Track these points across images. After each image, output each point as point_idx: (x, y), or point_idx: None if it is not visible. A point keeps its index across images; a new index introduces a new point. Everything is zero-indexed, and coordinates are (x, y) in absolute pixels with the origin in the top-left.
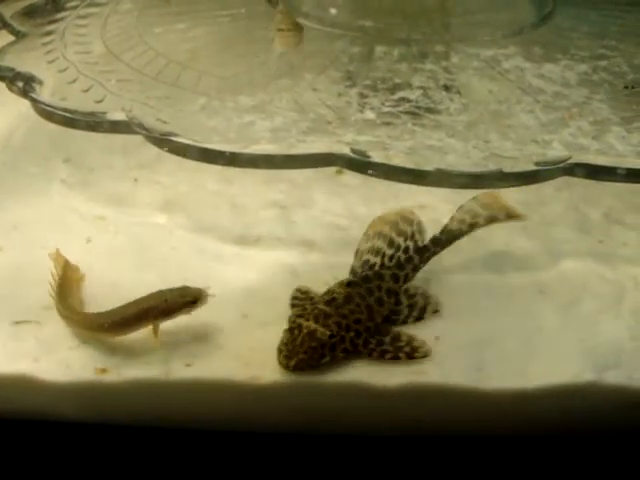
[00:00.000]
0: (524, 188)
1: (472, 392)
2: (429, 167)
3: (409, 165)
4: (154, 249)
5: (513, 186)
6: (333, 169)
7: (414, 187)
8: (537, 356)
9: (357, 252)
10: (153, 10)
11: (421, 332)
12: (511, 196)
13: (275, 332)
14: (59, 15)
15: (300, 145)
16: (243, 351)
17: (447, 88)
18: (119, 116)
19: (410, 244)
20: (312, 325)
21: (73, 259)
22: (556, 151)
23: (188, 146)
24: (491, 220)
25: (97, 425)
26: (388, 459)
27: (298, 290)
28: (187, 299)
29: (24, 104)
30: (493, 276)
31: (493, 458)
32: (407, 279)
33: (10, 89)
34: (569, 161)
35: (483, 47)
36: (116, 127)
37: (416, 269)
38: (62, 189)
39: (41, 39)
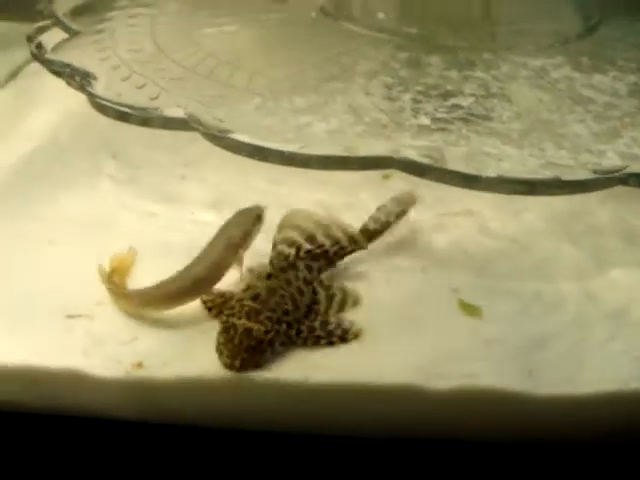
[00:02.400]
0: (569, 198)
1: (524, 396)
2: (489, 173)
3: (468, 171)
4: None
5: (569, 194)
6: (379, 173)
7: (460, 192)
8: (585, 363)
9: (273, 244)
10: (201, 12)
11: (478, 335)
12: (556, 205)
13: None
14: (109, 14)
15: (360, 147)
16: None
17: (498, 96)
18: (177, 113)
19: (326, 240)
20: (246, 323)
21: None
22: (611, 160)
23: (247, 145)
24: (400, 215)
25: (141, 423)
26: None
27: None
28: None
29: (70, 100)
30: (542, 283)
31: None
32: (320, 271)
33: (69, 84)
34: (625, 171)
35: (530, 56)
36: (174, 124)
37: (331, 263)
38: (111, 184)
39: (93, 37)
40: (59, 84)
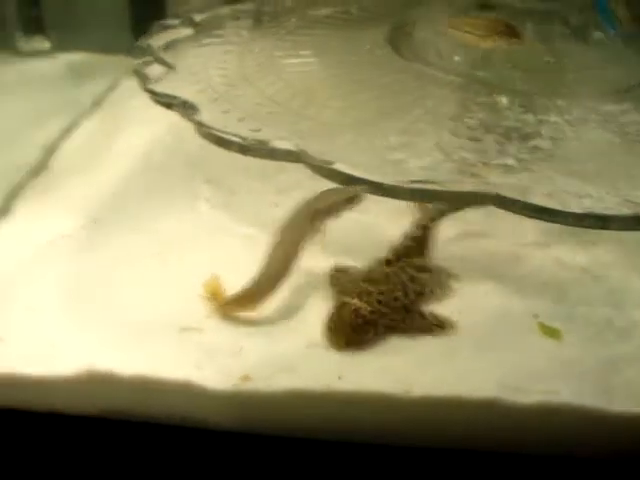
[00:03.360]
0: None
1: (600, 412)
2: (573, 209)
3: (553, 206)
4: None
5: None
6: None
7: (532, 224)
8: None
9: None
10: (284, 45)
11: (556, 356)
12: (624, 238)
13: None
14: (200, 49)
15: (454, 184)
16: None
17: (573, 139)
18: (282, 144)
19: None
20: (357, 303)
21: (226, 272)
22: None
23: (355, 178)
24: None
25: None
26: None
27: (336, 269)
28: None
29: (157, 126)
30: (614, 311)
31: None
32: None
33: (182, 115)
34: None
35: (599, 102)
36: (280, 155)
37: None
38: (208, 207)
39: (188, 70)
40: (143, 111)
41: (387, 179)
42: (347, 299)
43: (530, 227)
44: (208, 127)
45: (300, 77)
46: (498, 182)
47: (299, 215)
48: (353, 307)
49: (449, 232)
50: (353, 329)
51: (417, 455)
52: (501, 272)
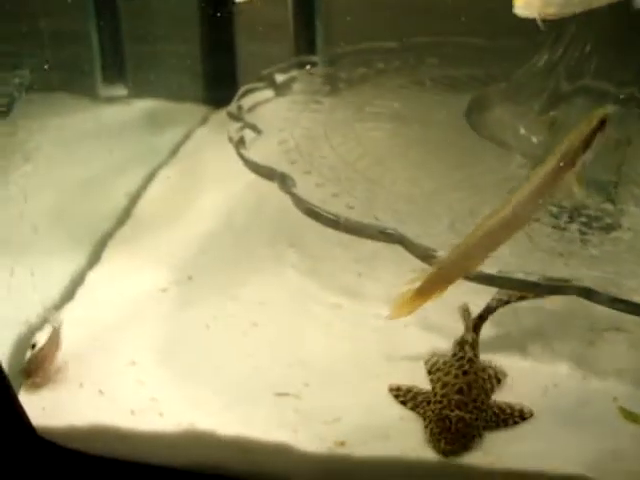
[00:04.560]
0: None
1: None
2: None
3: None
4: (392, 340)
5: None
6: None
7: (604, 310)
8: None
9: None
10: (364, 122)
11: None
12: None
13: None
14: (286, 113)
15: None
16: None
17: None
18: (382, 227)
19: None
20: (459, 414)
21: (314, 342)
22: None
23: None
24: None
25: None
26: None
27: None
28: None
29: (236, 183)
30: None
31: None
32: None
33: (281, 188)
34: None
35: None
36: (382, 237)
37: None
38: (295, 274)
39: (276, 136)
40: (221, 166)
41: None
42: (447, 412)
43: (606, 312)
44: (307, 203)
45: (383, 148)
46: (587, 274)
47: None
48: (457, 418)
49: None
50: (462, 437)
51: None
52: (578, 356)
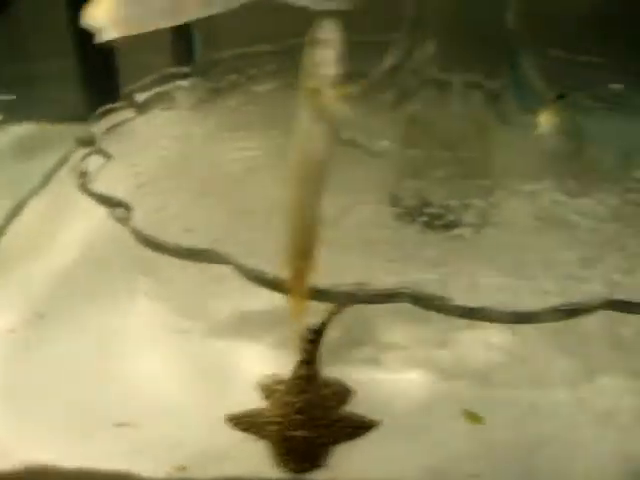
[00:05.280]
0: None
1: None
2: (487, 305)
3: (469, 304)
4: (237, 362)
5: (560, 320)
6: None
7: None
8: (576, 464)
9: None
10: (225, 132)
11: (480, 440)
12: None
13: None
14: (142, 137)
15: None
16: None
17: (495, 224)
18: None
19: None
20: (304, 433)
21: (159, 369)
22: (594, 286)
23: None
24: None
25: None
26: None
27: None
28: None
29: (100, 212)
30: (537, 392)
31: None
32: None
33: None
34: (607, 298)
35: (522, 181)
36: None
37: None
38: (147, 302)
39: (128, 161)
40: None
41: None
42: (291, 432)
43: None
44: (143, 234)
45: (241, 165)
46: (418, 278)
47: None
48: (302, 437)
49: None
50: (310, 456)
51: None
52: (427, 358)
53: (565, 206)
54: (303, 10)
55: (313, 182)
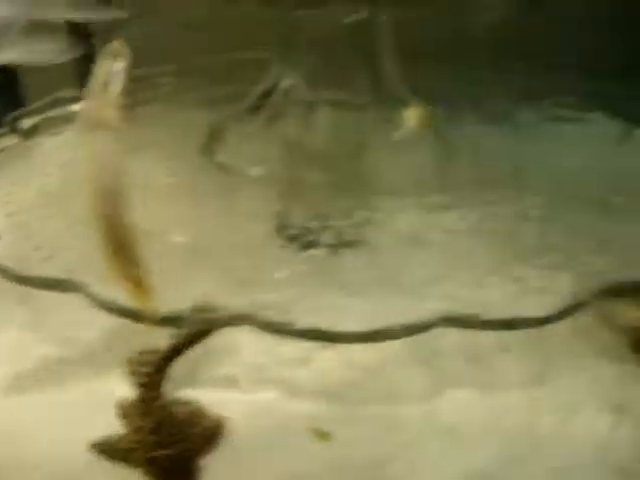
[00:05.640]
0: None
1: None
2: (332, 328)
3: (319, 326)
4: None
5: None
6: None
7: None
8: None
9: None
10: None
11: (326, 458)
12: None
13: None
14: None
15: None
16: None
17: (352, 245)
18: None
19: None
20: (160, 452)
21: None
22: (437, 304)
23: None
24: None
25: None
26: None
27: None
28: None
29: None
30: (388, 407)
31: None
32: None
33: None
34: (447, 314)
35: (387, 199)
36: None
37: None
38: (18, 332)
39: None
40: None
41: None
42: (149, 455)
43: None
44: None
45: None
46: (267, 300)
47: None
48: (164, 457)
49: None
50: (176, 473)
51: None
52: (282, 377)
53: (426, 223)
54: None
55: (110, 194)
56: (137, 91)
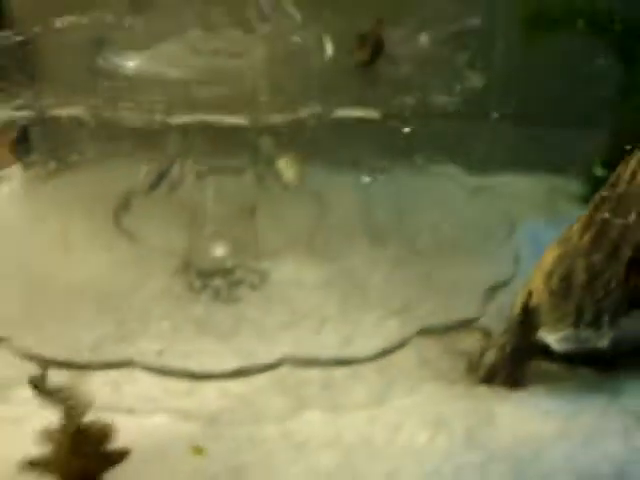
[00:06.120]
0: None
1: None
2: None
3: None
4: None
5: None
6: None
7: None
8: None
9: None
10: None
11: (201, 471)
12: None
13: None
14: None
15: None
16: None
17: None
18: None
19: None
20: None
21: None
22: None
23: None
24: None
25: None
26: None
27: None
28: None
29: None
30: (254, 427)
31: None
32: None
33: None
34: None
35: (259, 262)
36: None
37: None
38: None
39: None
40: None
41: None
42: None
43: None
44: None
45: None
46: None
47: None
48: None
49: None
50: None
51: None
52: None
53: (289, 280)
54: None
55: None
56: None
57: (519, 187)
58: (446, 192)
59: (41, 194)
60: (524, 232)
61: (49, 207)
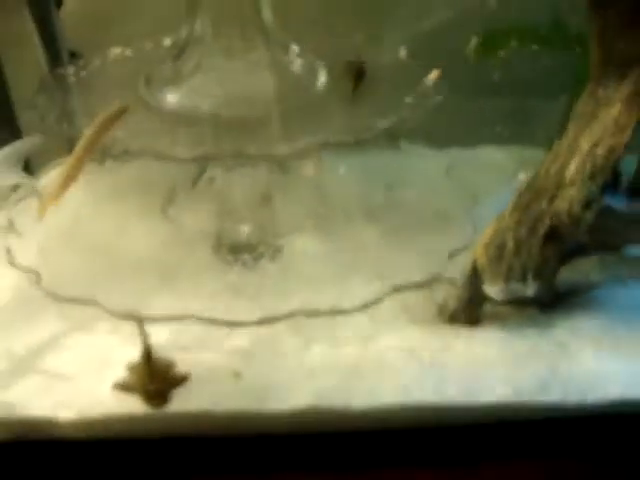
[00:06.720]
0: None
1: None
2: None
3: None
4: None
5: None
6: None
7: None
8: None
9: None
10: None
11: None
12: None
13: None
14: None
15: None
16: None
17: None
18: None
19: None
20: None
21: None
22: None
23: None
24: None
25: None
26: None
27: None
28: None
29: None
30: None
31: None
32: None
33: None
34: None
35: (276, 238)
36: None
37: None
38: None
39: None
40: None
41: None
42: (148, 387)
43: None
44: None
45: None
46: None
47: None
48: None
49: None
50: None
51: None
52: None
53: (297, 253)
54: None
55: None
56: None
57: (491, 159)
58: (424, 168)
59: (100, 186)
60: (490, 203)
61: (107, 196)
